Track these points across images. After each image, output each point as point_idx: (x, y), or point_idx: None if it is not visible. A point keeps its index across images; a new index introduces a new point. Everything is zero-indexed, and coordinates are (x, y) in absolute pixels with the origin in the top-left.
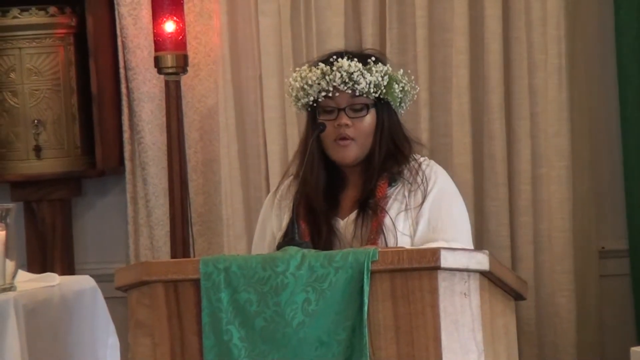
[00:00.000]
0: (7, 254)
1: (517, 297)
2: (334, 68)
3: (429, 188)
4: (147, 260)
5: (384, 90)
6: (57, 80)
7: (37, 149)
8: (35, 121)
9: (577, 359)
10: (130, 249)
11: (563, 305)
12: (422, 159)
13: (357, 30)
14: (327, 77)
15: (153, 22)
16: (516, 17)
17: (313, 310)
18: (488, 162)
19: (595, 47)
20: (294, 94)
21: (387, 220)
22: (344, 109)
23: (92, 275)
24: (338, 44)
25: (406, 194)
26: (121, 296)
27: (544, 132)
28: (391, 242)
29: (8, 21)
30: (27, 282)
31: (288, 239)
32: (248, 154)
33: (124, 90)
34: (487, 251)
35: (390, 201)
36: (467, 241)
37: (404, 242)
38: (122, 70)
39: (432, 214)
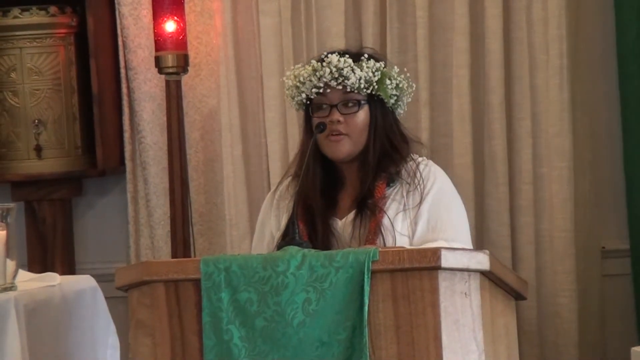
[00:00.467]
0: (8, 254)
1: (518, 297)
2: (324, 64)
3: (427, 188)
4: (148, 260)
5: (376, 86)
6: (57, 80)
7: (38, 149)
8: (36, 121)
9: (579, 359)
10: (131, 249)
11: (564, 305)
12: (420, 159)
13: (357, 29)
14: (317, 73)
15: (154, 22)
16: (517, 17)
17: (313, 310)
18: (489, 162)
19: (596, 46)
20: (289, 93)
21: (385, 221)
22: (336, 106)
23: (92, 275)
24: (338, 43)
25: (404, 194)
26: (122, 296)
27: (545, 132)
28: (389, 243)
29: (9, 21)
30: (28, 281)
31: (288, 238)
32: (250, 154)
33: (124, 90)
34: (487, 251)
35: (389, 201)
36: (467, 241)
37: (403, 243)
38: (122, 70)
39: (431, 214)
